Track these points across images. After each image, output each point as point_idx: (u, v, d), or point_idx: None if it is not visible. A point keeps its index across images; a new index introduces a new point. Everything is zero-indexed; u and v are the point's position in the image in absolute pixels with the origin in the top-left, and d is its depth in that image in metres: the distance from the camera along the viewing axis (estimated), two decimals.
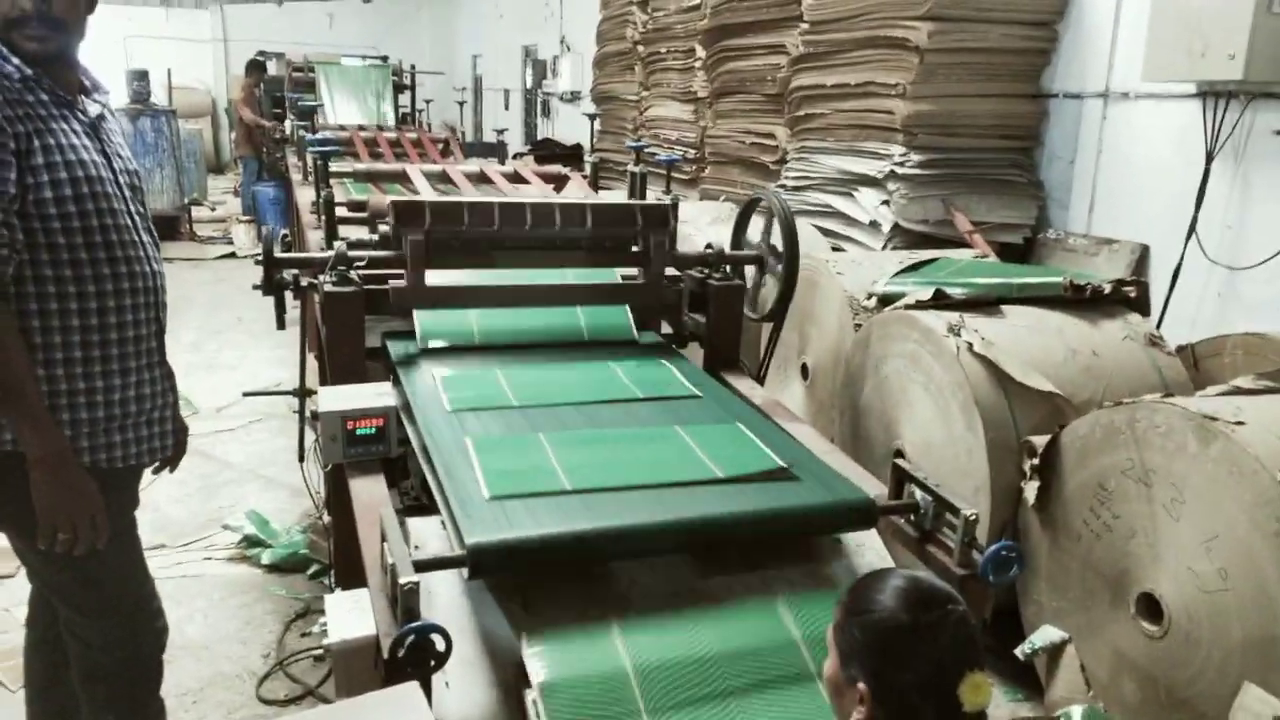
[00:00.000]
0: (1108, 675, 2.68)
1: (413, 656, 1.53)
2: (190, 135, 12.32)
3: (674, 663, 1.72)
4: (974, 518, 1.91)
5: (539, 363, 2.77)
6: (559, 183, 4.33)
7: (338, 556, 2.69)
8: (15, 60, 1.91)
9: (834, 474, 2.16)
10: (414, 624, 1.54)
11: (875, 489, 2.18)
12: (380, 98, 8.29)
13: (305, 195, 4.58)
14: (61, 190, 1.93)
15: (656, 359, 2.87)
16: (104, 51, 14.96)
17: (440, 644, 1.55)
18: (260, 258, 2.78)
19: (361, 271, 2.76)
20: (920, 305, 3.37)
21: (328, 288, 2.66)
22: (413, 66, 9.90)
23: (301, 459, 3.56)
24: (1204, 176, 4.20)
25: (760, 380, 3.26)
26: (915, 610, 1.35)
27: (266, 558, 3.90)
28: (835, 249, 5.11)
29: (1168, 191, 4.45)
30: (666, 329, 3.29)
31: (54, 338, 1.98)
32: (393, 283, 2.76)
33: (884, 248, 4.94)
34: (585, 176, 4.47)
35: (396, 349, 2.82)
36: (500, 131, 8.09)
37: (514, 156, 8.44)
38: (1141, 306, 3.49)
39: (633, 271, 3.13)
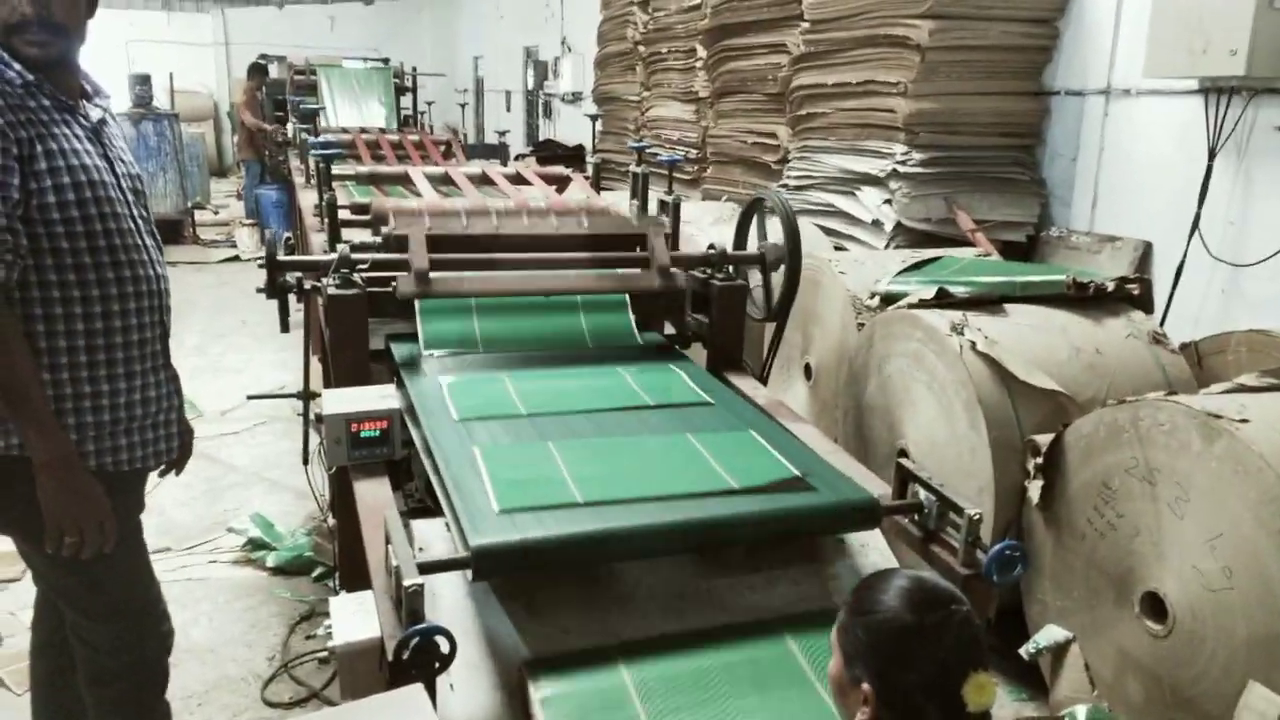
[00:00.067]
0: (1112, 674, 2.68)
1: (417, 659, 1.53)
2: (193, 139, 12.35)
3: (674, 678, 1.72)
4: (978, 517, 1.91)
5: (545, 370, 2.73)
6: (561, 184, 4.33)
7: (342, 559, 2.69)
8: (17, 66, 1.92)
9: (838, 474, 2.16)
10: (418, 626, 1.54)
11: (879, 489, 2.18)
12: (382, 100, 8.29)
13: (308, 198, 4.58)
14: (64, 195, 1.93)
15: (665, 365, 2.83)
16: (106, 56, 14.97)
17: (445, 646, 1.55)
18: (263, 261, 2.78)
19: (364, 274, 2.76)
20: (923, 304, 3.37)
21: (331, 290, 2.67)
22: (414, 68, 9.90)
23: (306, 462, 3.56)
24: (1206, 173, 4.19)
25: (763, 380, 3.26)
26: (919, 611, 1.35)
27: (271, 560, 3.90)
28: (838, 248, 5.11)
29: (1170, 188, 4.45)
30: (669, 329, 3.29)
31: (59, 342, 1.98)
32: (399, 276, 2.77)
33: (886, 247, 4.94)
34: (587, 177, 4.48)
35: (400, 351, 2.82)
36: (502, 133, 8.09)
37: (516, 158, 8.45)
38: (1145, 304, 3.49)
39: (635, 272, 3.13)
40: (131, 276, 2.06)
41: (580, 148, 9.61)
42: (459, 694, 1.70)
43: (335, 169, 3.93)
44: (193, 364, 6.46)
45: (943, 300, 3.37)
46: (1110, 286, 3.42)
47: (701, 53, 7.03)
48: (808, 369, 4.28)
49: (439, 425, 2.29)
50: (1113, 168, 4.81)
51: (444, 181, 4.07)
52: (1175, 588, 2.47)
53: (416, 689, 1.37)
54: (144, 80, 10.73)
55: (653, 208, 3.64)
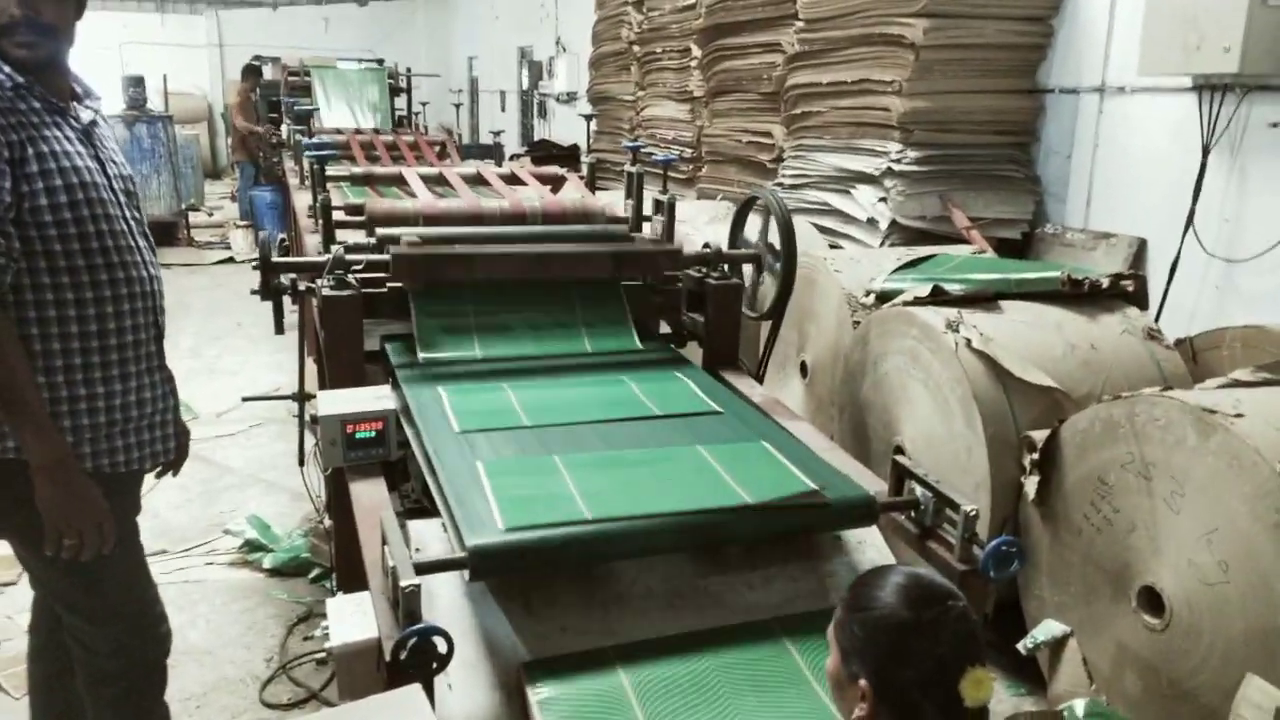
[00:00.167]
0: (1110, 669, 2.68)
1: (415, 659, 1.53)
2: (187, 141, 12.34)
3: (672, 678, 1.73)
4: (974, 513, 1.91)
5: (547, 378, 2.67)
6: (555, 184, 4.34)
7: (339, 560, 2.70)
8: (6, 69, 1.92)
9: (834, 471, 2.16)
10: (416, 626, 1.54)
11: (875, 486, 2.18)
12: (376, 101, 8.29)
13: (302, 199, 4.58)
14: (57, 198, 1.93)
15: (671, 372, 2.76)
16: (99, 58, 14.98)
17: (442, 646, 1.55)
18: (258, 262, 2.78)
19: (359, 275, 2.76)
20: (918, 302, 3.38)
21: (325, 291, 2.66)
22: (408, 69, 9.90)
23: (302, 463, 3.56)
24: (1201, 169, 4.20)
25: (759, 378, 3.26)
26: (916, 607, 1.35)
27: (268, 562, 3.90)
28: (833, 246, 5.11)
29: (1165, 185, 4.45)
30: (665, 328, 3.29)
31: (53, 345, 1.98)
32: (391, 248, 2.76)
33: (882, 245, 4.94)
34: (582, 177, 4.48)
35: (396, 352, 2.82)
36: (497, 133, 8.10)
37: (511, 158, 8.44)
38: (1140, 300, 3.49)
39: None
40: (125, 278, 2.06)
41: (575, 148, 9.61)
42: (457, 694, 1.70)
43: (330, 170, 3.93)
44: (188, 366, 6.45)
45: (938, 298, 3.37)
46: (1105, 283, 3.42)
47: (696, 52, 7.04)
48: (803, 367, 4.28)
49: (440, 438, 2.22)
50: (1107, 165, 4.82)
51: (438, 182, 4.07)
52: (1172, 582, 2.47)
53: (414, 689, 1.37)
54: (138, 82, 10.71)
55: (648, 207, 3.64)
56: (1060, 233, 5.02)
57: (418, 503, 2.47)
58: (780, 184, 5.81)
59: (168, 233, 10.70)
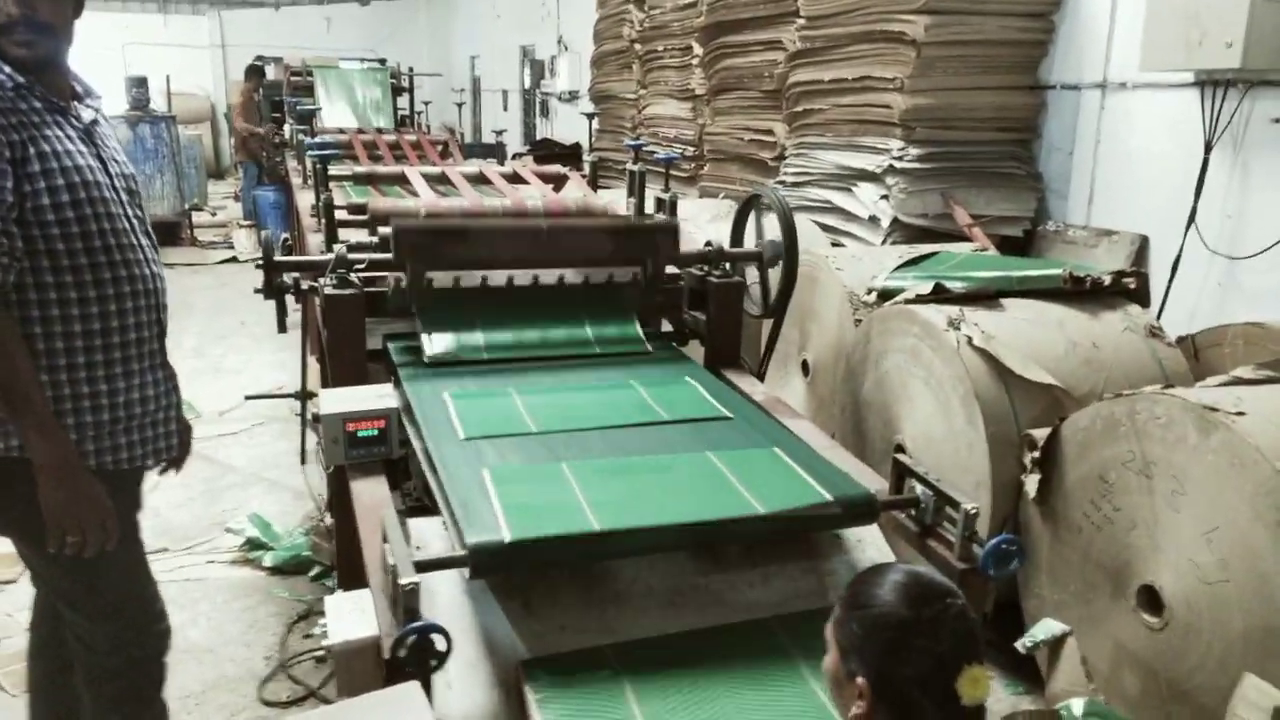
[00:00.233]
0: (1109, 667, 2.68)
1: (414, 656, 1.53)
2: (190, 141, 12.35)
3: (671, 677, 1.73)
4: (974, 512, 1.91)
5: (555, 383, 2.64)
6: (558, 182, 4.34)
7: (340, 558, 2.70)
8: (7, 69, 1.92)
9: (835, 470, 2.16)
10: (415, 624, 1.54)
11: (876, 484, 2.18)
12: (379, 100, 8.29)
13: (305, 199, 4.59)
14: (59, 197, 1.94)
15: (680, 376, 2.72)
16: (102, 59, 14.98)
17: (441, 644, 1.55)
18: (261, 262, 2.78)
19: (361, 274, 2.77)
20: (920, 299, 3.37)
21: (328, 290, 2.67)
22: (410, 69, 9.90)
23: (303, 461, 3.57)
24: (1203, 166, 4.19)
25: (761, 377, 3.27)
26: (914, 605, 1.35)
27: (269, 560, 3.91)
28: (835, 244, 5.11)
29: (1167, 182, 4.45)
30: (667, 327, 3.29)
31: (56, 343, 1.99)
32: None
33: (883, 242, 4.94)
34: (584, 176, 4.48)
35: (398, 351, 2.82)
36: (499, 132, 8.11)
37: (513, 157, 8.45)
38: (1141, 298, 3.49)
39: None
40: (128, 276, 2.07)
41: (577, 146, 9.60)
42: (456, 691, 1.71)
43: (332, 169, 3.93)
44: (191, 365, 6.46)
45: (939, 295, 3.37)
46: (1107, 280, 3.42)
47: (698, 50, 7.03)
48: (805, 365, 4.28)
49: (445, 445, 2.19)
50: (1109, 162, 4.81)
51: (441, 181, 4.08)
52: (1171, 581, 2.47)
53: (413, 686, 1.38)
54: (140, 83, 10.73)
55: (650, 205, 3.64)
56: (1062, 230, 5.01)
57: (419, 501, 2.48)
58: (782, 182, 5.81)
59: (171, 233, 10.71)
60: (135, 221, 2.13)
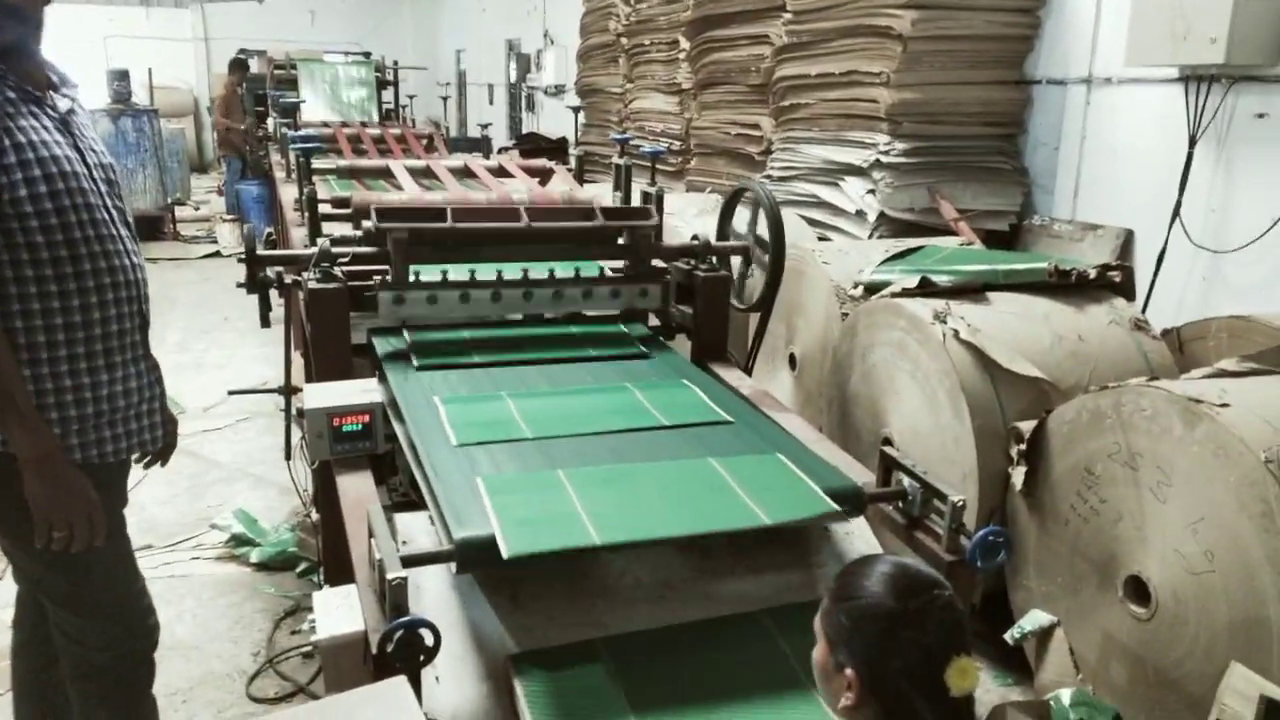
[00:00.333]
0: (1096, 658, 2.69)
1: (401, 651, 1.52)
2: (173, 135, 12.25)
3: (660, 670, 1.72)
4: (961, 504, 1.92)
5: (547, 385, 2.58)
6: (544, 176, 4.32)
7: (326, 554, 2.68)
8: None
9: (823, 463, 2.16)
10: (402, 619, 1.53)
11: (863, 477, 2.18)
12: (363, 94, 8.25)
13: (289, 192, 4.55)
14: (36, 188, 1.91)
15: (678, 379, 2.66)
16: (84, 52, 14.84)
17: (429, 638, 1.54)
18: (244, 256, 2.76)
19: (345, 268, 2.75)
20: (906, 293, 3.38)
21: (311, 285, 2.65)
22: (395, 62, 9.85)
23: (289, 457, 3.55)
24: (1187, 160, 4.22)
25: (748, 371, 3.26)
26: (902, 596, 1.35)
27: (255, 556, 3.89)
28: (821, 238, 5.11)
29: (1151, 176, 4.47)
30: (654, 321, 3.28)
31: (38, 337, 1.96)
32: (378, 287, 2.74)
33: (870, 236, 4.95)
34: (570, 170, 4.46)
35: (383, 346, 2.80)
36: (484, 126, 8.07)
37: (499, 151, 8.42)
38: (1126, 291, 3.50)
39: (619, 264, 3.12)
40: (108, 267, 2.04)
41: (563, 140, 9.58)
42: (444, 686, 1.70)
43: (316, 163, 3.91)
44: (175, 360, 6.41)
45: (926, 289, 3.37)
46: (1092, 274, 3.43)
47: (684, 44, 7.03)
48: (792, 359, 4.28)
49: (437, 451, 2.12)
50: (1094, 156, 4.83)
51: (426, 175, 4.06)
52: (1158, 571, 2.48)
53: (400, 681, 1.36)
54: (123, 76, 10.64)
55: (636, 199, 3.63)
56: (1048, 224, 5.03)
57: (405, 496, 2.46)
58: (769, 176, 5.81)
59: (154, 227, 10.64)
60: (115, 212, 2.10)
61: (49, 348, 1.98)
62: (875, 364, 3.47)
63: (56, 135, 1.99)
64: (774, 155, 5.89)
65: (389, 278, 2.75)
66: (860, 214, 5.06)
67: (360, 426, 2.26)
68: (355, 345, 2.78)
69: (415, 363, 2.69)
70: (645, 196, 3.49)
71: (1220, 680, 2.16)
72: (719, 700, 1.68)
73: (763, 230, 3.19)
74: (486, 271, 2.90)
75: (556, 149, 8.94)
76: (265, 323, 3.00)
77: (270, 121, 7.21)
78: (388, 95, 9.20)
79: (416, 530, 1.99)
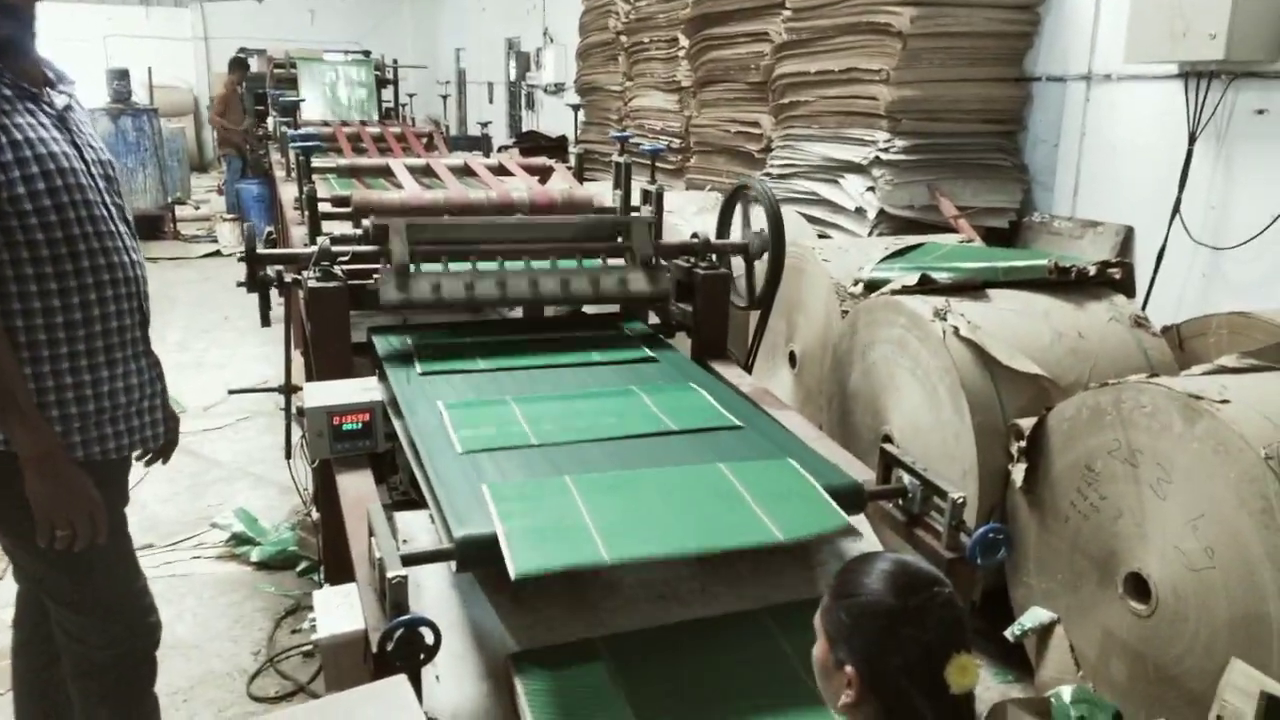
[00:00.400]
0: (1097, 655, 2.69)
1: (401, 650, 1.53)
2: (172, 134, 12.25)
3: (660, 669, 1.72)
4: (961, 501, 1.92)
5: (553, 389, 2.55)
6: (543, 174, 4.32)
7: (327, 552, 2.69)
8: None
9: (823, 460, 2.16)
10: (402, 618, 1.53)
11: (863, 474, 2.19)
12: (363, 93, 8.25)
13: (288, 191, 4.56)
14: (35, 185, 1.90)
15: (686, 383, 2.62)
16: (83, 51, 14.84)
17: (429, 637, 1.54)
18: (244, 255, 2.76)
19: (345, 267, 2.75)
20: (906, 290, 3.38)
21: (312, 283, 2.65)
22: (395, 61, 9.84)
23: (289, 456, 3.55)
24: (1187, 157, 4.21)
25: (748, 369, 3.26)
26: (902, 593, 1.35)
27: (256, 555, 3.89)
28: (821, 236, 5.11)
29: (1151, 173, 4.47)
30: (654, 319, 3.29)
31: (38, 335, 1.96)
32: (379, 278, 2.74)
33: (870, 234, 4.95)
34: (570, 168, 4.46)
35: (383, 345, 2.80)
36: (484, 125, 8.06)
37: (499, 149, 8.42)
38: (1126, 288, 3.50)
39: (619, 262, 3.12)
40: (107, 264, 2.04)
41: (563, 138, 9.59)
42: (445, 685, 1.70)
43: (316, 162, 3.90)
44: (175, 359, 6.41)
45: (926, 286, 3.37)
46: (1092, 271, 3.43)
47: (684, 42, 7.02)
48: (792, 357, 4.28)
49: (440, 458, 2.10)
50: (1094, 153, 4.82)
51: (426, 173, 4.05)
52: (1158, 568, 2.48)
53: (400, 680, 1.36)
54: (122, 75, 10.63)
55: (636, 197, 3.63)
56: (1047, 221, 5.03)
57: (405, 494, 2.46)
58: (768, 174, 5.81)
59: (154, 226, 10.63)
60: (114, 209, 2.10)
61: (49, 345, 1.97)
62: (875, 361, 3.47)
63: (54, 132, 1.98)
64: (774, 153, 5.89)
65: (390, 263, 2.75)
66: (860, 211, 5.05)
67: (360, 425, 2.26)
68: (355, 344, 2.79)
69: (419, 369, 2.67)
70: (645, 194, 3.49)
71: (1220, 676, 2.16)
72: (719, 699, 1.68)
73: (763, 228, 3.19)
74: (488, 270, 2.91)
75: (556, 147, 8.94)
76: (265, 322, 3.00)
77: (270, 120, 7.21)
78: (387, 94, 9.20)
79: (417, 529, 1.99)
